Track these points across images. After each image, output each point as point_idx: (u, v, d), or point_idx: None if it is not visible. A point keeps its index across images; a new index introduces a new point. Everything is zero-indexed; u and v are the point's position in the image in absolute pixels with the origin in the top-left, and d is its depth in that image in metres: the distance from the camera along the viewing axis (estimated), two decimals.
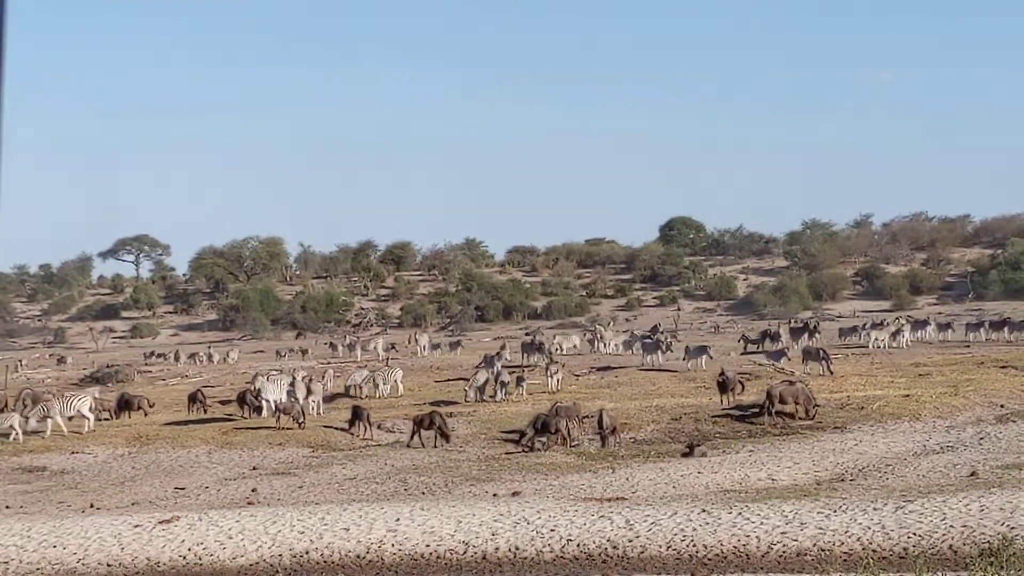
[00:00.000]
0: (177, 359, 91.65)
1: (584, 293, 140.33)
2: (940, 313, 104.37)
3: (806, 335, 76.01)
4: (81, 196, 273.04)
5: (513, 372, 59.08)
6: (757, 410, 48.08)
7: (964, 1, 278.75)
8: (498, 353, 68.15)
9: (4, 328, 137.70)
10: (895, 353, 66.93)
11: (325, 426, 49.66)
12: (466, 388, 56.22)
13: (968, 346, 71.31)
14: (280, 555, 29.65)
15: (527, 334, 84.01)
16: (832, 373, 56.41)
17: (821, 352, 59.07)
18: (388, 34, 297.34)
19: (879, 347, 70.60)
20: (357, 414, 49.10)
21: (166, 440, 48.78)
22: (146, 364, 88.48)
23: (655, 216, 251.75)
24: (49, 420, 50.41)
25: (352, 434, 48.36)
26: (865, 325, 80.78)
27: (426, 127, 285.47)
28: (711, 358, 61.86)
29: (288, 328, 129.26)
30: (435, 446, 45.06)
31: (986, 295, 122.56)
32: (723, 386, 50.28)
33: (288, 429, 48.81)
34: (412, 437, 45.74)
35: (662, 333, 78.32)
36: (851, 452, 40.16)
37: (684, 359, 62.74)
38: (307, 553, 29.71)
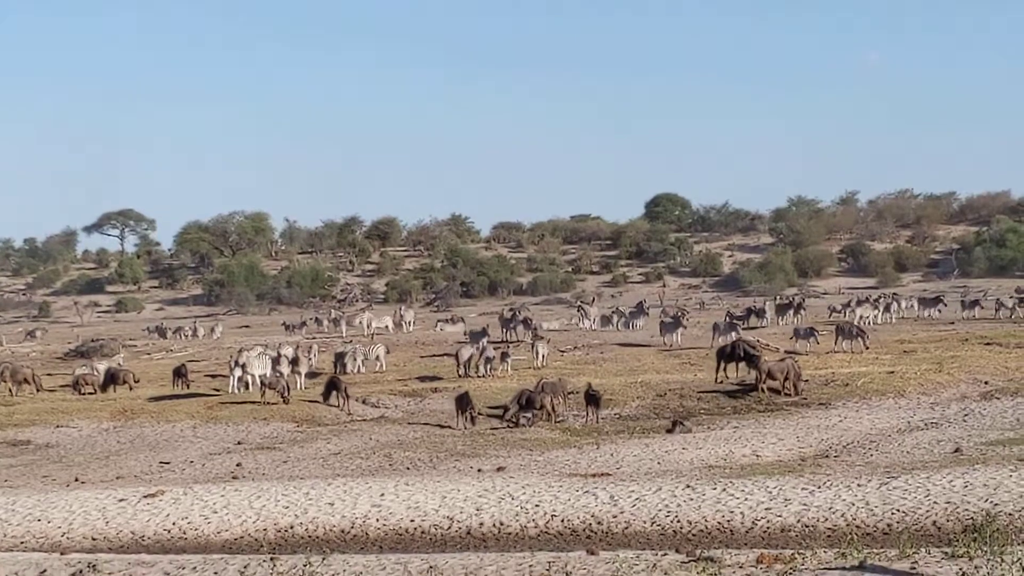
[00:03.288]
0: (191, 333, 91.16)
1: (570, 269, 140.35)
2: (933, 290, 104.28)
3: (791, 312, 76.12)
4: (66, 170, 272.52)
5: (498, 348, 59.03)
6: (747, 386, 48.13)
7: None
8: (483, 329, 68.05)
9: None
10: (880, 330, 66.98)
11: (310, 401, 49.62)
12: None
13: (952, 323, 71.39)
14: (265, 529, 29.64)
15: (510, 310, 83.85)
16: (868, 348, 56.47)
17: (855, 329, 58.82)
18: (373, 13, 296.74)
19: (864, 324, 70.58)
20: (334, 385, 49.19)
21: (151, 414, 48.72)
22: (145, 341, 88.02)
23: (641, 192, 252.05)
24: None
25: (339, 407, 48.37)
26: (850, 302, 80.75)
27: (412, 103, 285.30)
28: (739, 335, 61.35)
29: (273, 303, 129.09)
30: (465, 426, 44.38)
31: (971, 272, 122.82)
32: (752, 358, 49.76)
33: (273, 404, 48.77)
34: (457, 417, 45.03)
35: (680, 311, 77.92)
36: (835, 428, 40.23)
37: (714, 336, 61.99)
38: (292, 528, 29.71)
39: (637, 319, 77.54)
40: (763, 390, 46.91)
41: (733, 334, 60.49)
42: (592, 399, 44.75)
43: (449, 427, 44.51)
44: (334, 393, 48.95)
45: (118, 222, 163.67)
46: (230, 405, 49.63)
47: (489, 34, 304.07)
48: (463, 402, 44.71)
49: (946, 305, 79.33)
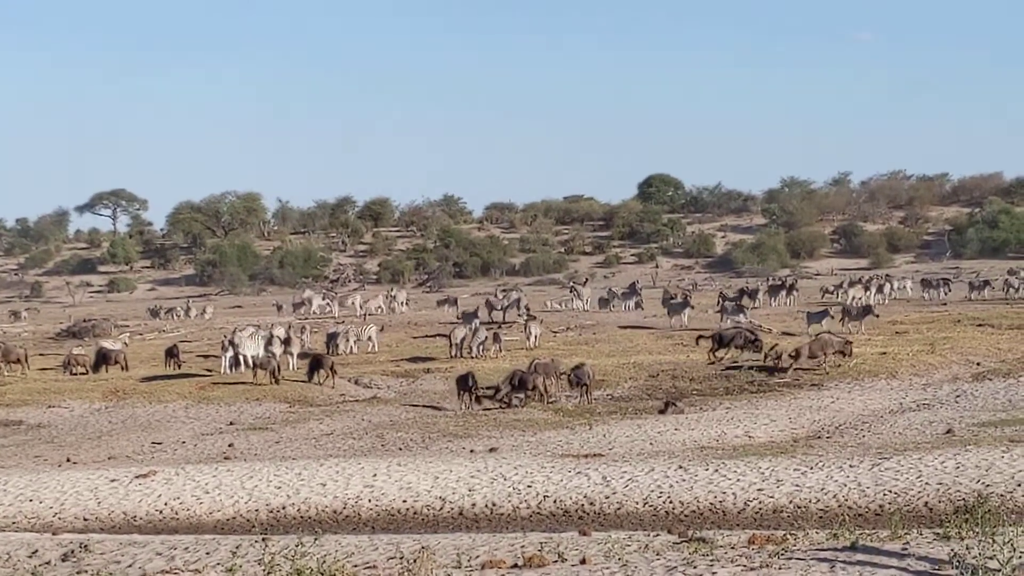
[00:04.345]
0: (183, 313, 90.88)
1: (562, 250, 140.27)
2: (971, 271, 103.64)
3: (784, 293, 76.11)
4: (58, 150, 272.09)
5: (491, 329, 58.97)
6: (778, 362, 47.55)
7: None
8: (475, 310, 67.96)
9: None
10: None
11: (303, 381, 49.57)
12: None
13: (945, 304, 71.39)
14: (257, 510, 29.63)
15: (503, 291, 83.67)
16: (878, 316, 57.48)
17: (862, 308, 58.66)
18: None
19: (856, 305, 70.46)
20: (319, 363, 49.32)
21: (143, 395, 48.65)
22: (138, 321, 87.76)
23: (634, 173, 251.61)
24: None
25: (329, 386, 48.38)
26: (842, 283, 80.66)
27: (405, 83, 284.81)
28: (746, 317, 60.85)
29: (265, 283, 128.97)
30: (471, 407, 44.10)
31: (964, 253, 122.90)
32: (754, 343, 49.54)
33: (265, 384, 48.72)
34: (460, 398, 44.75)
35: (684, 292, 77.80)
36: (828, 409, 40.24)
37: (722, 319, 61.46)
38: (284, 508, 29.70)
39: (630, 300, 77.48)
40: (791, 367, 46.48)
41: (741, 316, 60.07)
42: (579, 380, 44.63)
43: (442, 408, 44.50)
44: (319, 371, 49.10)
45: (110, 202, 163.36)
46: (222, 385, 49.59)
47: (484, 15, 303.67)
48: (466, 382, 44.52)
49: (950, 290, 78.63)
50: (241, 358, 52.25)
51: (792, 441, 34.95)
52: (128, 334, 67.63)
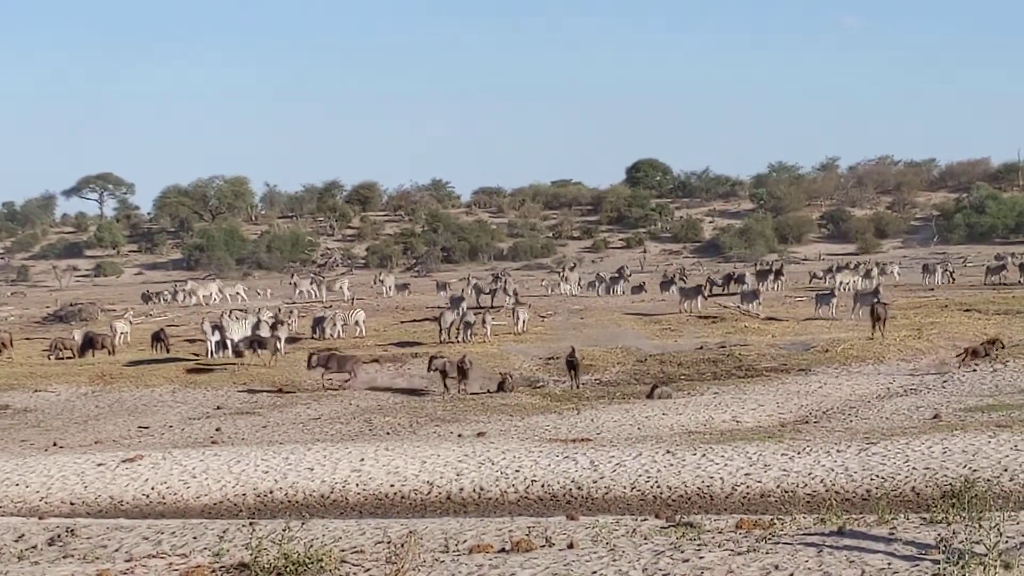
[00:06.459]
0: (175, 297, 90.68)
1: (550, 235, 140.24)
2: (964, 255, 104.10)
3: (772, 278, 76.07)
4: (45, 133, 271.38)
5: (478, 313, 58.93)
6: None
7: None
8: (460, 293, 67.90)
9: None
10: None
11: (289, 366, 49.47)
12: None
13: (932, 289, 71.49)
14: (244, 494, 29.60)
15: (492, 276, 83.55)
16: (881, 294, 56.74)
17: (873, 294, 57.97)
18: None
19: (844, 290, 70.47)
20: (261, 343, 49.89)
21: (130, 379, 48.57)
22: (125, 305, 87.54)
23: (622, 158, 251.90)
24: None
25: (266, 365, 48.75)
26: (831, 268, 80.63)
27: (393, 68, 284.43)
28: (760, 300, 60.20)
29: (253, 268, 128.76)
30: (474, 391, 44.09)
31: (951, 239, 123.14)
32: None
33: (252, 368, 48.71)
34: (458, 383, 44.71)
35: (681, 276, 77.78)
36: (815, 394, 40.28)
37: (741, 303, 61.14)
38: (271, 492, 29.67)
39: (618, 285, 77.58)
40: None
41: (755, 303, 59.89)
42: (572, 365, 44.66)
43: (429, 392, 44.44)
44: (261, 351, 49.69)
45: (97, 186, 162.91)
46: (209, 370, 49.51)
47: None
48: (463, 367, 44.36)
49: (952, 278, 78.29)
50: (228, 342, 52.23)
51: (780, 426, 34.97)
52: (131, 314, 67.57)
